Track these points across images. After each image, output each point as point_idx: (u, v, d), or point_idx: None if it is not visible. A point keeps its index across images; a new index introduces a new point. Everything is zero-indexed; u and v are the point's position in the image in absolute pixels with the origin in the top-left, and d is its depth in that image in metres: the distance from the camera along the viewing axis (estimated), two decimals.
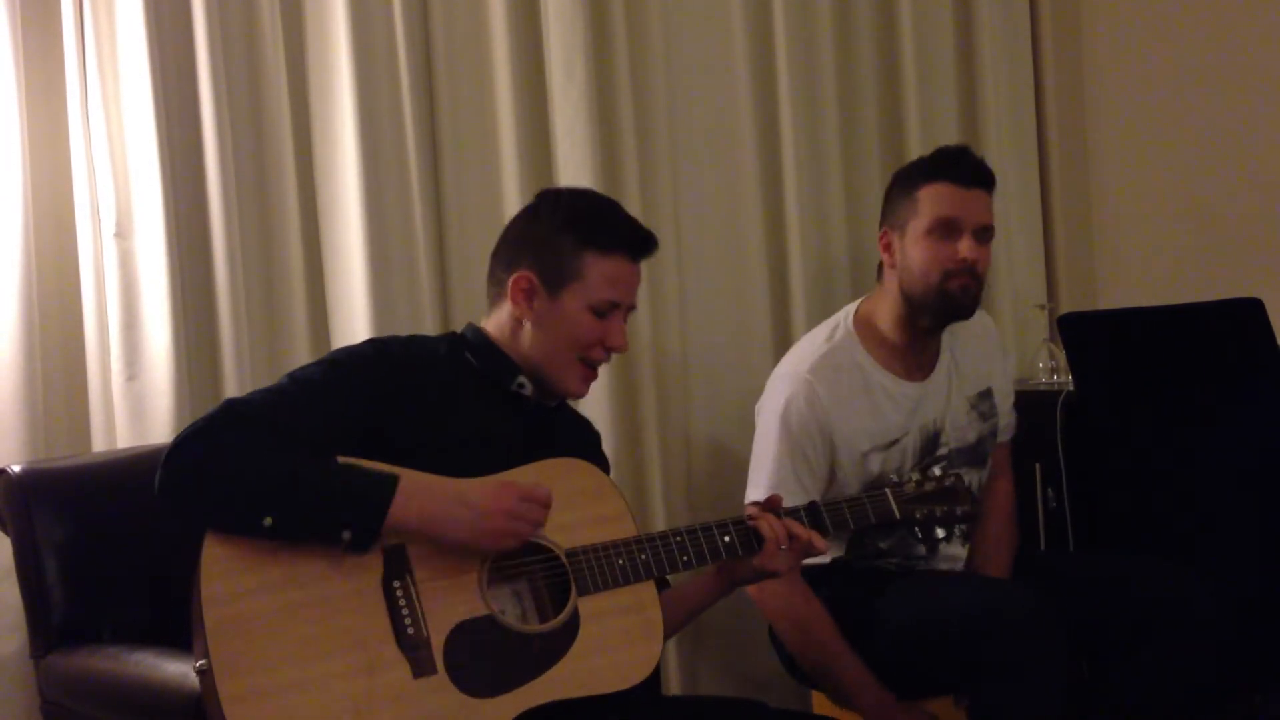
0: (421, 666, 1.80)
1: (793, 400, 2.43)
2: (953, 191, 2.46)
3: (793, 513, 2.06)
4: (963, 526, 2.21)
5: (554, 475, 1.98)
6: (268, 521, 1.75)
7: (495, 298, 2.11)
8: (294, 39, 2.81)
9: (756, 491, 2.42)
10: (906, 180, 2.53)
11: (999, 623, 2.19)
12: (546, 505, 1.87)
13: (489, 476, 1.89)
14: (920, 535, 2.19)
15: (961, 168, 2.49)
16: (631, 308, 2.10)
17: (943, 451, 2.54)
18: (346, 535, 1.77)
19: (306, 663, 1.75)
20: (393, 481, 1.80)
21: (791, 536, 2.00)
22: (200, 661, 1.74)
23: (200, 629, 1.75)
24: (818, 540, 2.02)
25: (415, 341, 2.11)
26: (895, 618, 2.35)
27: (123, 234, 2.65)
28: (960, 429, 2.56)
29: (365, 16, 2.79)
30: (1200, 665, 2.34)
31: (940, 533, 2.19)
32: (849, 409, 2.45)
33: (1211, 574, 2.39)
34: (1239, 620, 2.39)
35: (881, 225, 2.57)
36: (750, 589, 2.37)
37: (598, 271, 2.03)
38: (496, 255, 2.13)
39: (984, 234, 2.49)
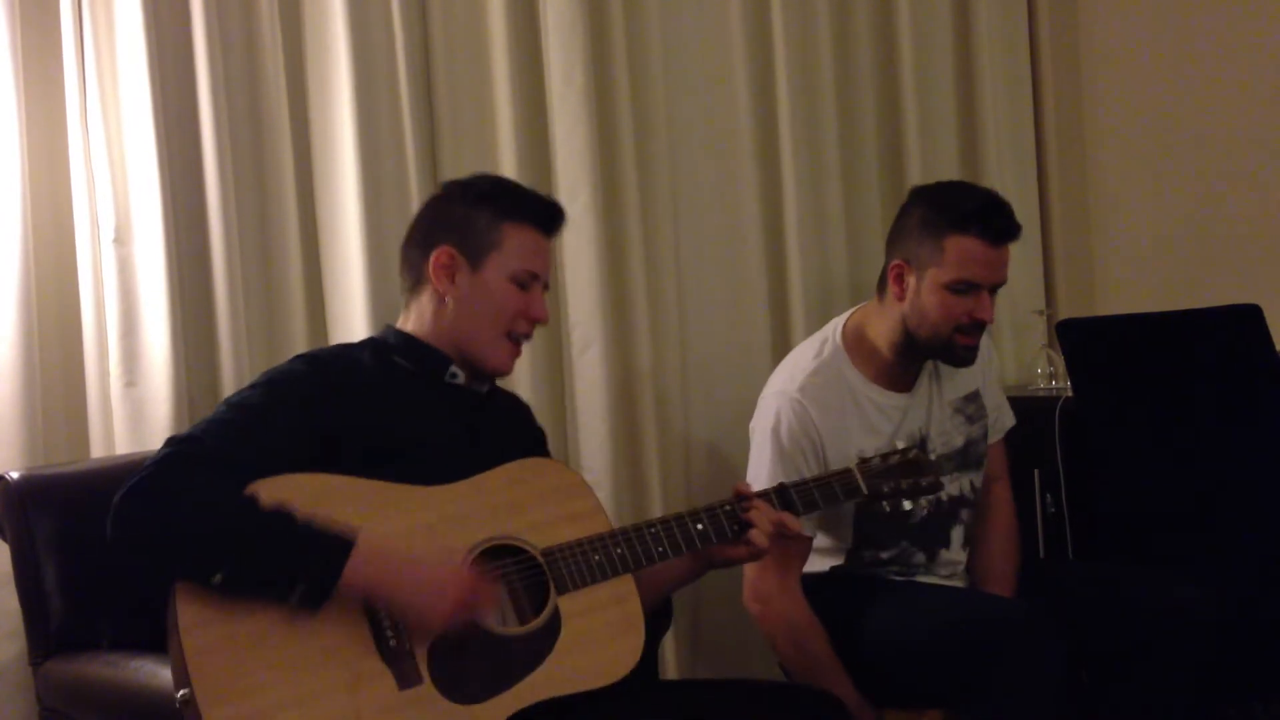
0: (407, 677, 1.78)
1: (782, 417, 2.43)
2: (982, 251, 2.39)
3: (762, 496, 2.08)
4: (928, 497, 2.25)
5: (525, 475, 2.00)
6: (216, 579, 1.73)
7: (413, 287, 2.10)
8: (293, 46, 2.81)
9: None
10: (934, 218, 2.42)
11: (989, 636, 2.19)
12: (494, 599, 1.87)
13: (444, 555, 1.85)
14: (889, 509, 2.22)
15: (995, 225, 2.40)
16: (546, 284, 2.12)
17: (930, 458, 2.52)
18: (294, 599, 1.75)
19: (290, 683, 1.73)
20: (346, 547, 1.77)
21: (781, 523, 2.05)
22: (181, 691, 1.71)
23: (179, 657, 1.72)
24: (790, 520, 2.06)
25: (342, 351, 2.13)
26: (886, 628, 2.35)
27: (121, 240, 2.65)
28: (945, 434, 2.55)
29: (364, 22, 2.79)
30: (1199, 673, 2.34)
31: (907, 505, 2.21)
32: (840, 426, 2.45)
33: (1210, 581, 2.38)
34: (1237, 628, 2.39)
35: (894, 251, 2.49)
36: (751, 605, 2.41)
37: (516, 241, 2.06)
38: (408, 244, 2.13)
39: (999, 287, 2.46)
